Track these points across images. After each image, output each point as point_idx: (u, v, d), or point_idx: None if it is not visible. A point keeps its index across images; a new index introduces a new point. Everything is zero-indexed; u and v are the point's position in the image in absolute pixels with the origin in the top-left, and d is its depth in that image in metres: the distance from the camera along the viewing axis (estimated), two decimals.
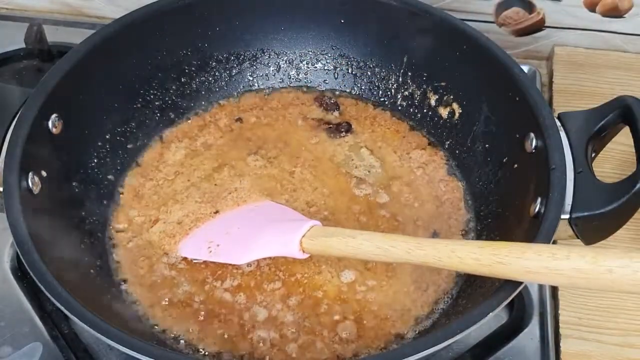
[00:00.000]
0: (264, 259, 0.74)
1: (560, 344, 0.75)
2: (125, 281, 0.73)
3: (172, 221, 0.77)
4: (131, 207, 0.79)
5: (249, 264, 0.73)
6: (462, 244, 0.62)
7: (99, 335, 0.58)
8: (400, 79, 0.87)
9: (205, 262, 0.74)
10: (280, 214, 0.77)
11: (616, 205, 0.65)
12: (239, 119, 0.87)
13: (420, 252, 0.62)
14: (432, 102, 0.86)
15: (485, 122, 0.80)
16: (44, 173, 0.70)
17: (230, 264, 0.73)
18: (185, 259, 0.74)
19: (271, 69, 0.91)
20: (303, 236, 0.69)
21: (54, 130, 0.73)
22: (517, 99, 0.73)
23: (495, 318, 0.72)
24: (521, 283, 0.60)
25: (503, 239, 0.61)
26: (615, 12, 0.99)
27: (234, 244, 0.74)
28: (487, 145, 0.80)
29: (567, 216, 0.66)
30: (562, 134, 0.70)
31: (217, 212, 0.78)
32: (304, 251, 0.69)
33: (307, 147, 0.85)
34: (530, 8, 1.00)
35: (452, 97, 0.84)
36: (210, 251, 0.73)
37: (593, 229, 0.67)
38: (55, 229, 0.69)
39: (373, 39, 0.88)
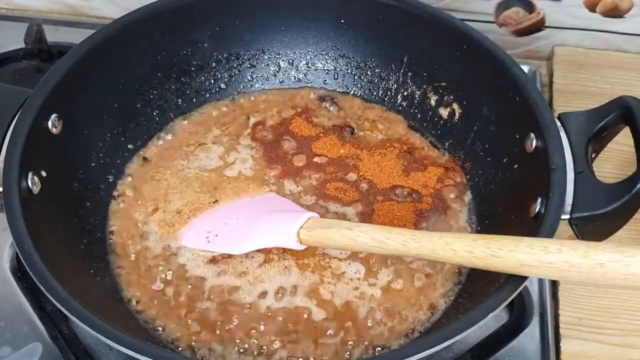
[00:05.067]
0: (267, 251, 0.73)
1: (560, 344, 0.75)
2: (125, 281, 0.73)
3: (171, 210, 0.78)
4: (131, 207, 0.79)
5: (251, 262, 0.74)
6: (456, 236, 0.62)
7: (99, 335, 0.58)
8: (400, 79, 0.87)
9: (206, 263, 0.74)
10: (279, 205, 0.77)
11: (616, 206, 0.65)
12: (240, 119, 0.87)
13: (415, 244, 0.62)
14: (432, 102, 0.86)
15: (485, 122, 0.80)
16: (43, 173, 0.70)
17: (232, 257, 0.73)
18: (187, 262, 0.74)
19: (271, 69, 0.90)
20: (301, 227, 0.69)
21: (54, 130, 0.73)
22: (517, 99, 0.73)
23: (495, 318, 0.72)
24: (521, 283, 0.60)
25: None
26: (615, 12, 0.99)
27: (232, 234, 0.74)
28: (487, 145, 0.80)
29: (567, 216, 0.66)
30: (562, 134, 0.70)
31: (216, 201, 0.78)
32: (301, 242, 0.69)
33: (307, 147, 0.85)
34: (530, 8, 1.00)
35: (452, 97, 0.84)
36: (209, 241, 0.74)
37: (593, 229, 0.67)
38: (55, 229, 0.69)
39: (373, 39, 0.87)
